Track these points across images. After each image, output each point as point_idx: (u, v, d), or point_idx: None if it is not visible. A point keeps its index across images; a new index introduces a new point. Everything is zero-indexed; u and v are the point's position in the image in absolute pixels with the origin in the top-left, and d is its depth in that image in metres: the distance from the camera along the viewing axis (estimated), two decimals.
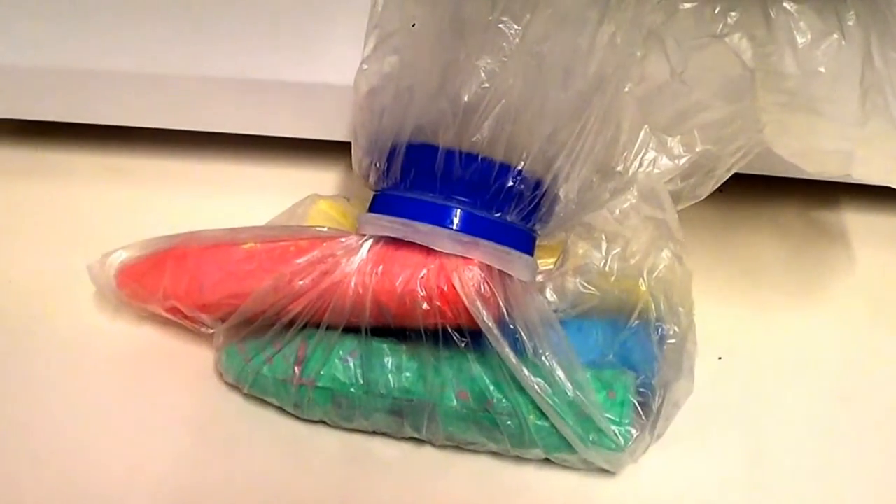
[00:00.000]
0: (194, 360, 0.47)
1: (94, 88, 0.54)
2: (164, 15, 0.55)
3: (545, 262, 0.44)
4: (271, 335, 0.43)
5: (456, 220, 0.40)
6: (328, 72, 0.51)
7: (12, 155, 0.60)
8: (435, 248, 0.40)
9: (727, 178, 0.44)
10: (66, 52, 0.54)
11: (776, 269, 0.55)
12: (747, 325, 0.51)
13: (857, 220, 0.59)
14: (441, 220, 0.40)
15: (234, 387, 0.45)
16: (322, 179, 0.57)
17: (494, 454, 0.43)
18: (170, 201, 0.56)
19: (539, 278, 0.43)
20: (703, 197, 0.45)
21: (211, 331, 0.45)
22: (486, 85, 0.38)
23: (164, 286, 0.44)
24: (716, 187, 0.45)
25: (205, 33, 0.54)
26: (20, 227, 0.55)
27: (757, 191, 0.60)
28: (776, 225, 0.58)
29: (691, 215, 0.57)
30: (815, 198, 0.60)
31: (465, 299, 0.39)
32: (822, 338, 0.50)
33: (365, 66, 0.40)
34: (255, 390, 0.44)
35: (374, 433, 0.43)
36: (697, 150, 0.43)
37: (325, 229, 0.44)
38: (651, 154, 0.43)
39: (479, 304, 0.39)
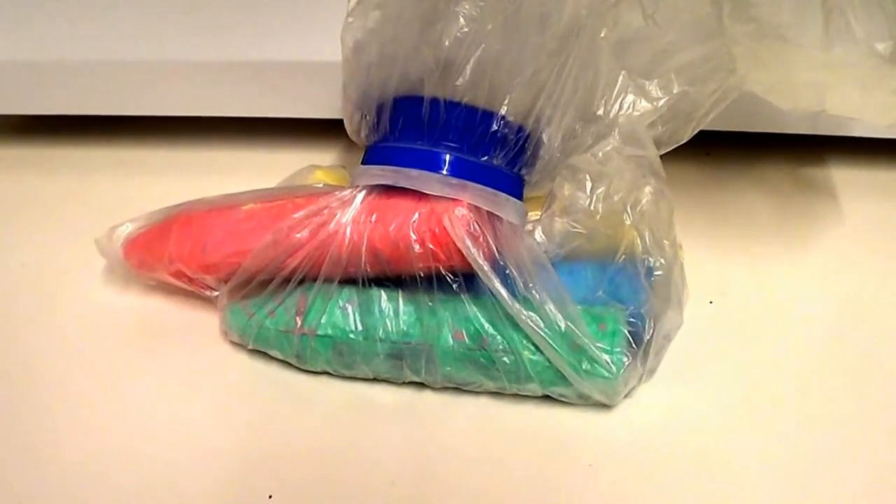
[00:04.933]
0: (201, 326, 0.48)
1: (96, 80, 0.56)
2: (161, 4, 0.57)
3: (535, 215, 0.46)
4: (272, 289, 0.44)
5: (444, 165, 0.42)
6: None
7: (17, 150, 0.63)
8: (425, 191, 0.41)
9: (706, 122, 0.46)
10: (63, 45, 0.55)
11: (765, 222, 0.56)
12: (738, 272, 0.52)
13: (843, 175, 0.60)
14: (430, 164, 0.42)
15: (239, 345, 0.46)
16: (329, 161, 0.59)
17: (493, 395, 0.44)
18: (177, 188, 0.57)
19: (528, 227, 0.45)
20: (684, 141, 0.46)
21: (215, 293, 0.46)
22: (466, 30, 0.40)
23: (169, 250, 0.46)
24: (696, 132, 0.46)
25: (206, 18, 0.56)
26: (30, 216, 0.58)
27: (744, 151, 0.62)
28: (765, 182, 0.60)
29: (682, 176, 0.59)
30: (802, 155, 0.62)
31: (455, 239, 0.41)
32: (809, 283, 0.51)
33: (350, 20, 0.42)
34: (258, 344, 0.45)
35: (375, 380, 0.44)
36: (675, 91, 0.44)
37: (321, 186, 0.45)
38: (630, 98, 0.44)
39: (469, 243, 0.41)
